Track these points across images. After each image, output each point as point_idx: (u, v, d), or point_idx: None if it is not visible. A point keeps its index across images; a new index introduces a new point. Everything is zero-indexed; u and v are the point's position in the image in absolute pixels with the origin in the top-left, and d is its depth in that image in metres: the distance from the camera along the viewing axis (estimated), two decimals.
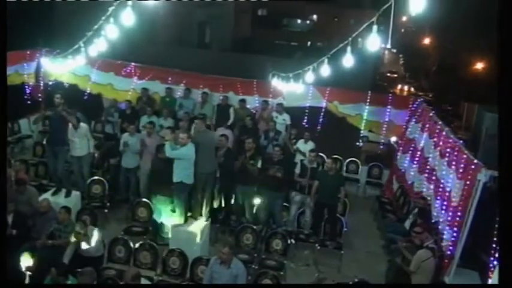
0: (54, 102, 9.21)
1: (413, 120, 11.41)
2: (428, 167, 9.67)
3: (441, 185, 8.69)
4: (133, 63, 13.60)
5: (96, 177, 10.19)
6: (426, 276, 7.24)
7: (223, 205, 9.59)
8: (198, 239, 8.34)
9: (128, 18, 6.34)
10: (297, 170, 9.47)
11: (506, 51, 4.37)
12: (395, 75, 47.19)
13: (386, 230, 9.70)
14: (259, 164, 9.11)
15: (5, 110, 5.54)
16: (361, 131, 12.83)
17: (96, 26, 7.41)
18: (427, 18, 34.07)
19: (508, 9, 4.32)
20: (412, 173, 10.62)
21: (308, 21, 43.23)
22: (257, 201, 9.17)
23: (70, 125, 9.44)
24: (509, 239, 4.18)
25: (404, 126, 11.86)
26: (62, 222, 7.74)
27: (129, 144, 9.79)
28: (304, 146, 10.79)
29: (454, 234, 7.51)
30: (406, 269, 7.41)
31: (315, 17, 43.44)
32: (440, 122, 9.73)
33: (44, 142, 12.23)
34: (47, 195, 9.21)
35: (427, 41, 47.60)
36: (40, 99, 13.74)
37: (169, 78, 13.22)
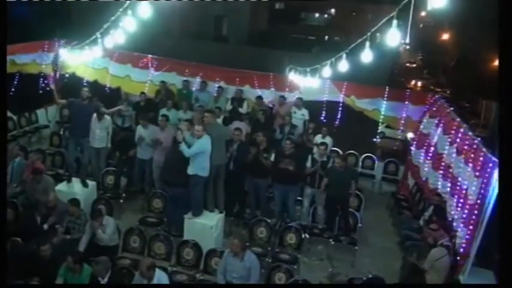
0: (82, 96, 9.27)
1: (428, 115, 11.30)
2: (443, 163, 9.58)
3: (458, 183, 8.60)
4: (150, 55, 13.66)
5: (109, 168, 10.27)
6: (440, 275, 7.18)
7: (237, 198, 9.61)
8: (212, 231, 8.38)
9: (145, 10, 6.36)
10: (308, 164, 9.44)
11: (506, 51, 4.34)
12: (414, 65, 46.83)
13: (401, 226, 9.64)
14: (272, 158, 9.13)
15: (5, 109, 5.64)
16: (379, 127, 12.74)
17: (113, 18, 7.45)
18: (446, 14, 33.66)
19: (508, 9, 4.29)
20: (426, 169, 10.53)
21: (326, 16, 43.03)
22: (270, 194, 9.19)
23: (95, 115, 9.55)
24: (509, 239, 4.13)
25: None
26: (72, 214, 7.81)
27: (144, 137, 9.82)
28: (322, 141, 10.74)
29: (469, 232, 7.43)
30: (420, 266, 7.37)
31: (332, 11, 43.19)
32: (458, 119, 9.61)
33: (61, 132, 12.39)
34: (62, 186, 9.32)
35: (445, 36, 47.10)
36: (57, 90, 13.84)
37: (186, 71, 13.24)
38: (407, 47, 50.86)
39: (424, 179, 10.51)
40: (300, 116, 11.78)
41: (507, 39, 4.36)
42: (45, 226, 7.78)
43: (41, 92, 14.01)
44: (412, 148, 11.75)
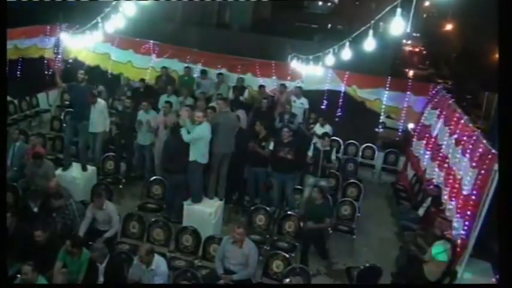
0: (78, 78, 9.18)
1: (430, 106, 11.27)
2: (441, 154, 9.59)
3: (452, 173, 8.61)
4: (151, 41, 13.61)
5: (109, 154, 10.23)
6: (439, 267, 7.19)
7: (236, 185, 9.61)
8: (211, 218, 8.39)
9: None
10: (310, 153, 9.40)
11: (505, 44, 4.33)
12: (417, 49, 46.81)
13: (400, 217, 9.65)
14: (270, 146, 9.11)
15: (5, 108, 5.62)
16: (380, 117, 12.71)
17: (114, 2, 7.41)
18: (449, 4, 33.44)
19: (508, 4, 4.28)
20: (425, 160, 10.54)
21: (329, 4, 42.75)
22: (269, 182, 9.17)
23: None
24: (509, 237, 4.13)
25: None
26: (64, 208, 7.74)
27: (144, 121, 9.80)
28: (321, 130, 10.71)
29: (466, 223, 7.44)
30: (419, 256, 7.38)
31: None
32: (459, 110, 9.60)
33: (62, 117, 12.37)
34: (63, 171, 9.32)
35: (449, 27, 46.82)
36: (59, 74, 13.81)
37: (188, 57, 13.20)
38: (410, 41, 50.77)
39: (423, 169, 10.53)
40: (299, 104, 11.71)
41: (507, 33, 4.35)
42: (35, 209, 7.74)
43: (43, 76, 14.01)
44: (413, 139, 11.74)
